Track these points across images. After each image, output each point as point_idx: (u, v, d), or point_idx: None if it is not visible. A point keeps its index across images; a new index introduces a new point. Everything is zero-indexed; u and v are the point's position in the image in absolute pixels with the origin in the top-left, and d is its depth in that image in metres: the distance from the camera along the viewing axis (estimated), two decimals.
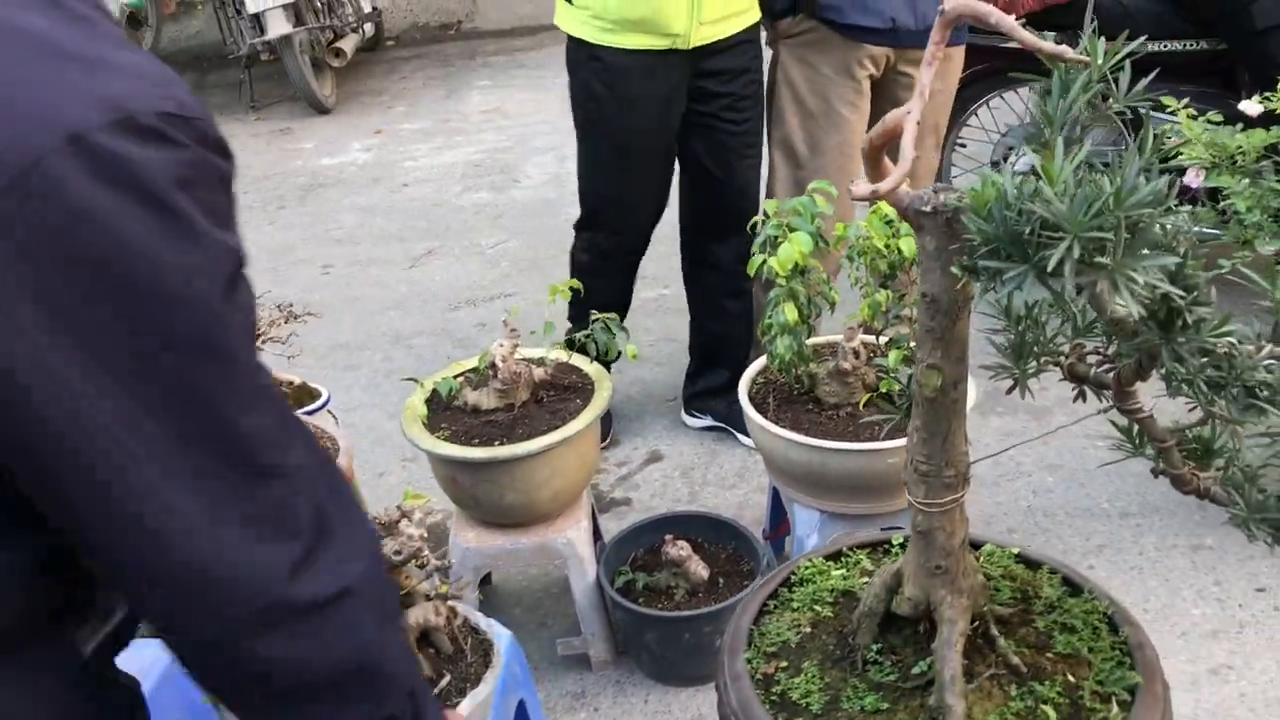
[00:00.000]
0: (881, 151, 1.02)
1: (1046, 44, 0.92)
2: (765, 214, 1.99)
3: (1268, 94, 2.53)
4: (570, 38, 2.80)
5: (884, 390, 2.12)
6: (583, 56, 2.76)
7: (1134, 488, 2.88)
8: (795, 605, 1.36)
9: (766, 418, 2.18)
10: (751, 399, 2.25)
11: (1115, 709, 1.17)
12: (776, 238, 1.91)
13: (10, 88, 0.68)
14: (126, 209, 0.68)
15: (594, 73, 2.75)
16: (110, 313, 0.70)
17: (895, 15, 2.91)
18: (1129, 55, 0.90)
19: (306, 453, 0.82)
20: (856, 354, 2.19)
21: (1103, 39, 0.93)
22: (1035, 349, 1.14)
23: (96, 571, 0.84)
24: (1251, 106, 2.51)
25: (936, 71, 2.74)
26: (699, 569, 2.31)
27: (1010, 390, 1.14)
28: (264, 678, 0.80)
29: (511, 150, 5.98)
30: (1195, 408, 1.08)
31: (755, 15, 2.82)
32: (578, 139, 2.92)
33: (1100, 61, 0.91)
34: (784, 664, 1.28)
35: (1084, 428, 3.09)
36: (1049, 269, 0.80)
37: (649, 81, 2.70)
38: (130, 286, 0.69)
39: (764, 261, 1.93)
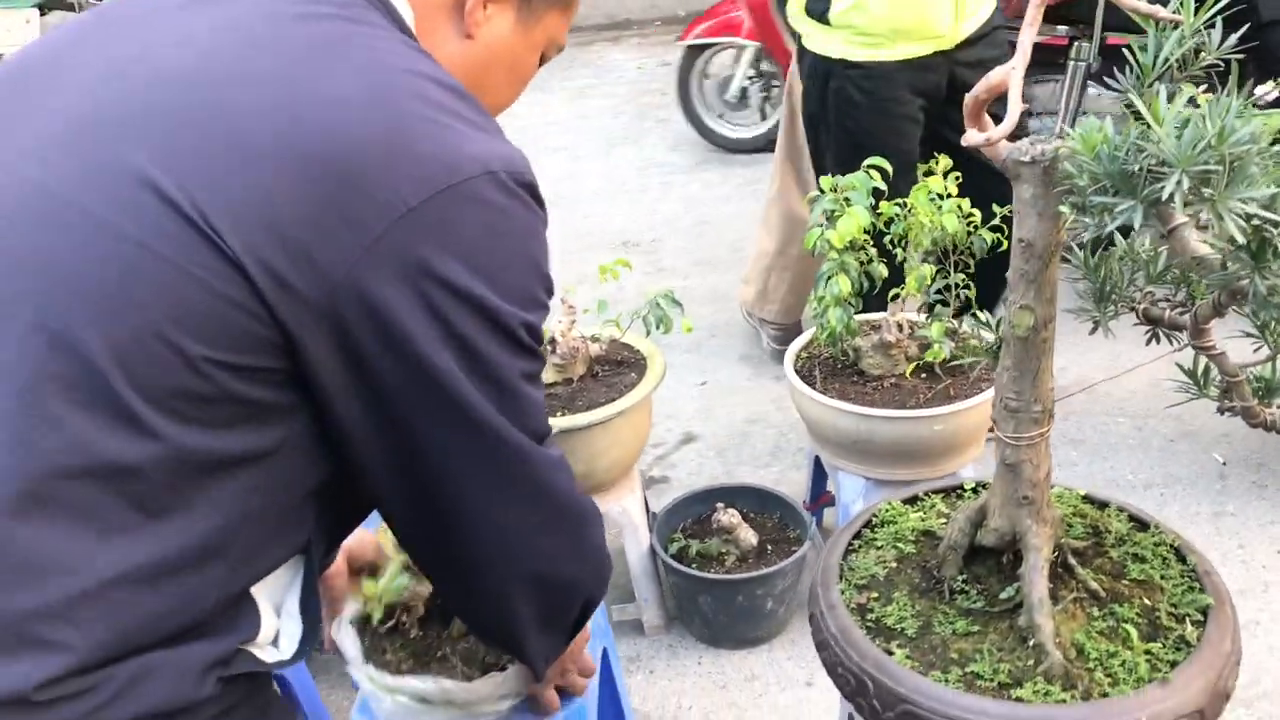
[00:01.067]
0: (984, 107, 1.11)
1: (1140, 4, 1.02)
2: (821, 189, 2.08)
3: None
4: (816, 56, 2.74)
5: (930, 359, 2.21)
6: (836, 68, 2.70)
7: (1156, 460, 2.98)
8: (879, 544, 1.46)
9: (814, 389, 2.27)
10: (798, 371, 2.34)
11: (1190, 627, 1.26)
12: (834, 212, 2.01)
13: (449, 139, 0.97)
14: (523, 205, 1.01)
15: (851, 81, 2.69)
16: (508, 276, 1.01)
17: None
18: (1220, 12, 1.00)
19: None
20: (900, 327, 2.29)
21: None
22: (1113, 295, 1.23)
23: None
24: (1268, 90, 2.62)
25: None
26: (749, 535, 2.40)
27: (1092, 331, 1.23)
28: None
29: (525, 150, 6.07)
30: (1260, 348, 1.18)
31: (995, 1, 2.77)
32: (820, 148, 2.88)
33: (1191, 21, 1.00)
34: (875, 595, 1.37)
35: (1109, 407, 3.20)
36: (1163, 199, 0.90)
37: (913, 86, 2.68)
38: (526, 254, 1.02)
39: (821, 234, 2.02)
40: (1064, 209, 1.04)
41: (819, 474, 2.67)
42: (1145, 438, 3.09)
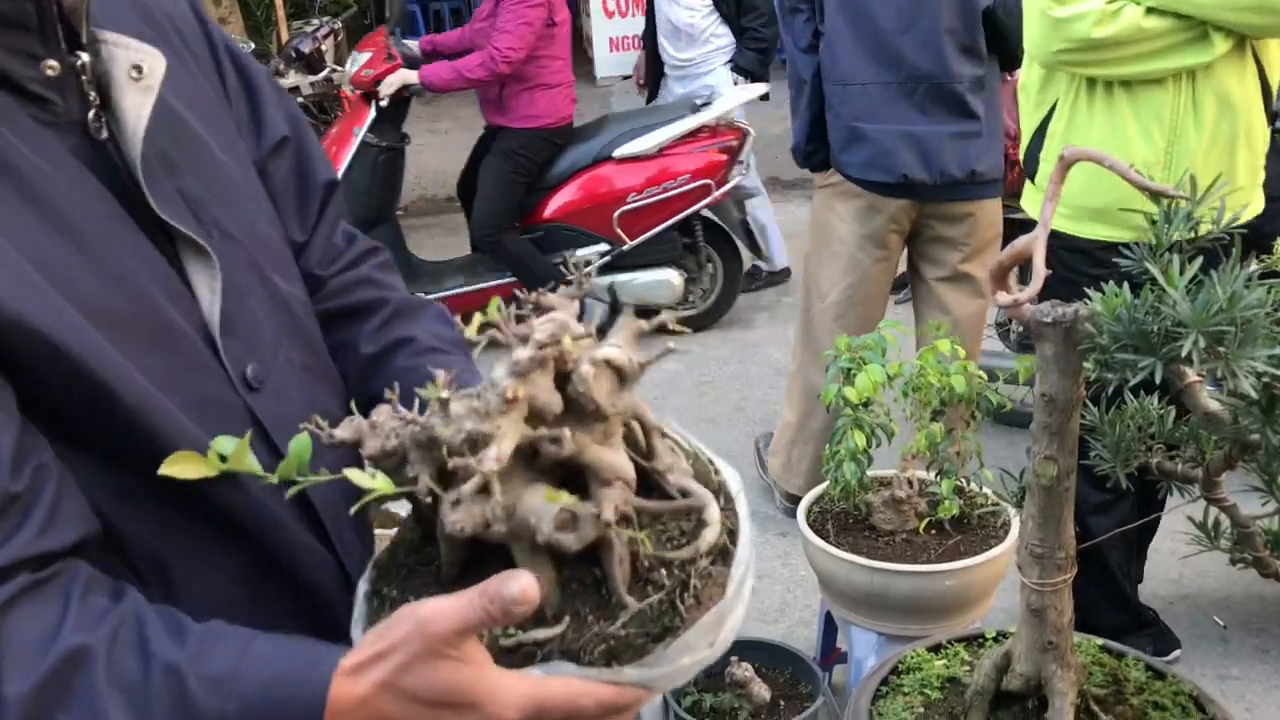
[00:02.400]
0: (1009, 272, 1.21)
1: (1152, 183, 1.13)
2: (836, 348, 2.18)
3: None
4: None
5: (941, 515, 2.28)
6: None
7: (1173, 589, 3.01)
8: (906, 690, 1.49)
9: (827, 542, 2.33)
10: (810, 524, 2.40)
11: None
12: (850, 370, 2.10)
13: None
14: None
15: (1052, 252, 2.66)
16: None
17: (908, 172, 3.20)
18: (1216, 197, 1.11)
19: None
20: (910, 483, 2.36)
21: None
22: (1128, 451, 1.31)
23: None
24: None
25: (972, 226, 3.04)
26: (762, 690, 2.41)
27: (1109, 485, 1.31)
28: None
29: None
30: (1268, 501, 1.25)
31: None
32: None
33: (1197, 197, 1.11)
34: None
35: None
36: (1181, 356, 0.99)
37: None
38: None
39: (838, 391, 2.12)
40: (1087, 365, 1.13)
41: (829, 630, 2.69)
42: (1144, 599, 3.13)
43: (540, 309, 0.91)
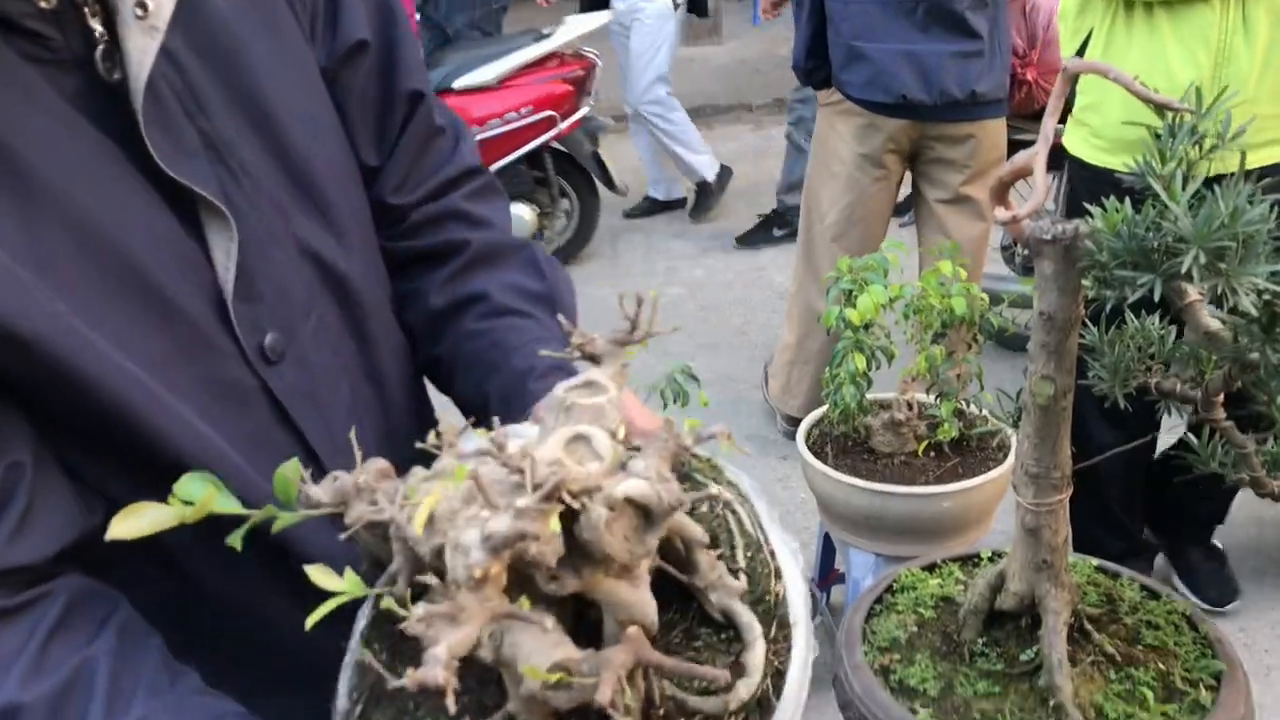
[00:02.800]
0: (1008, 188, 1.19)
1: (1157, 95, 1.10)
2: (838, 270, 2.17)
3: None
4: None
5: (940, 438, 2.28)
6: (1073, 164, 2.64)
7: None
8: (900, 609, 1.50)
9: (827, 465, 2.33)
10: (810, 447, 2.40)
11: (1204, 691, 1.30)
12: (851, 292, 2.09)
13: None
14: None
15: (1085, 184, 2.62)
16: None
17: (906, 92, 3.16)
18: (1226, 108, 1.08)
19: None
20: (910, 406, 2.36)
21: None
22: (1127, 371, 1.30)
23: None
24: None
25: (973, 148, 3.00)
26: None
27: (1108, 405, 1.30)
28: None
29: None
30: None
31: None
32: None
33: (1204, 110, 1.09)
34: (897, 657, 1.41)
35: None
36: (1182, 272, 0.97)
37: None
38: None
39: (839, 313, 2.10)
40: (1086, 283, 1.11)
41: (827, 552, 2.71)
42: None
43: (586, 355, 0.79)
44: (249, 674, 0.92)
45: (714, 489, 0.71)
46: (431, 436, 0.73)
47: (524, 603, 0.64)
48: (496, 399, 1.05)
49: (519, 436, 0.84)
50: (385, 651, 0.82)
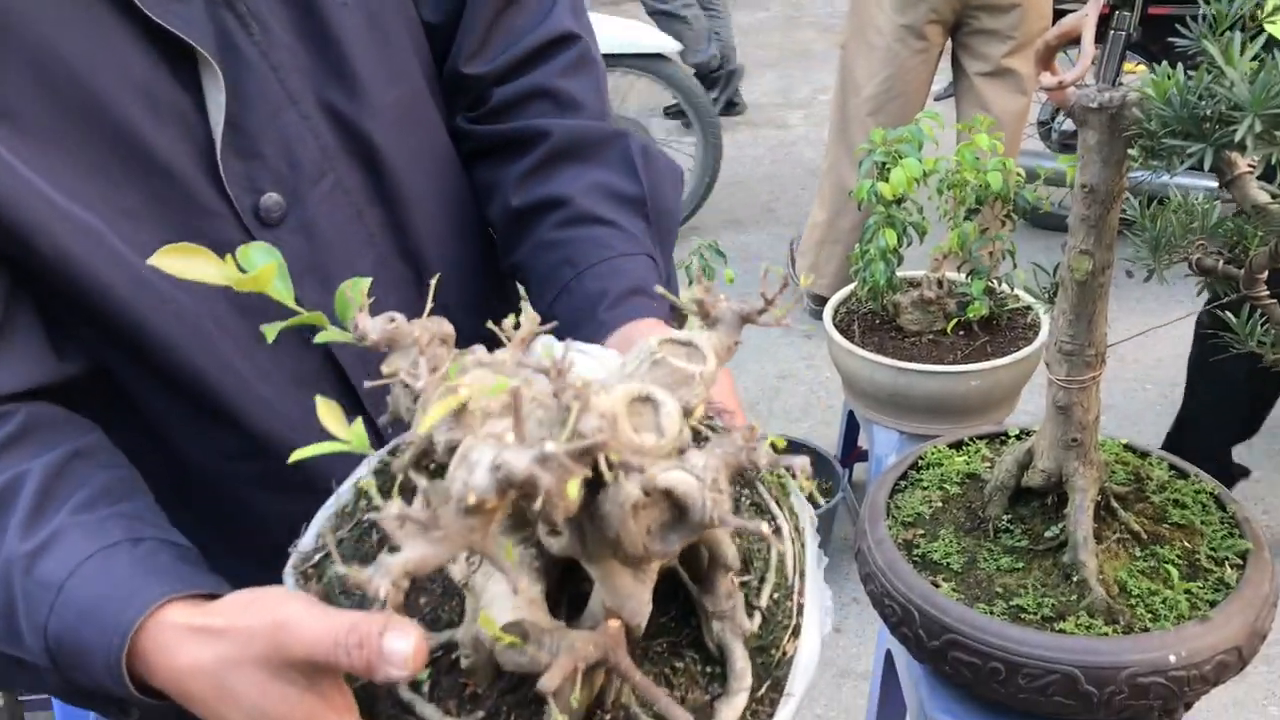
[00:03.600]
0: (1055, 52, 1.14)
1: None
2: (871, 142, 2.11)
3: None
4: None
5: (970, 316, 2.25)
6: None
7: None
8: (925, 484, 1.50)
9: (853, 342, 2.31)
10: (836, 325, 2.38)
11: (1229, 570, 1.30)
12: (885, 164, 2.04)
13: None
14: None
15: None
16: None
17: None
18: None
19: None
20: (940, 284, 2.32)
21: None
22: (1168, 246, 1.26)
23: None
24: None
25: (1019, 18, 2.88)
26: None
27: (1147, 279, 1.27)
28: None
29: None
30: None
31: None
32: None
33: None
34: (921, 532, 1.41)
35: (1137, 374, 3.23)
36: (1235, 141, 0.93)
37: None
38: None
39: (871, 186, 2.06)
40: (1132, 153, 1.07)
41: (851, 429, 2.71)
42: (1171, 405, 3.12)
43: (703, 315, 0.68)
44: (208, 530, 0.86)
45: (764, 528, 0.58)
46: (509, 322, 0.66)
47: (509, 550, 0.58)
48: (565, 324, 0.94)
49: (588, 357, 0.79)
50: (350, 535, 0.76)
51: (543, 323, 0.70)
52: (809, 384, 3.29)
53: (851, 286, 2.45)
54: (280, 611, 0.64)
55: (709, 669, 0.66)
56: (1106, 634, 1.22)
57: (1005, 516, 1.40)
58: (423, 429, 0.56)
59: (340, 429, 0.63)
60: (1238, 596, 1.25)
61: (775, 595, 0.69)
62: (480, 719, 0.65)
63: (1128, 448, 1.52)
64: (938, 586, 1.30)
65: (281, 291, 0.67)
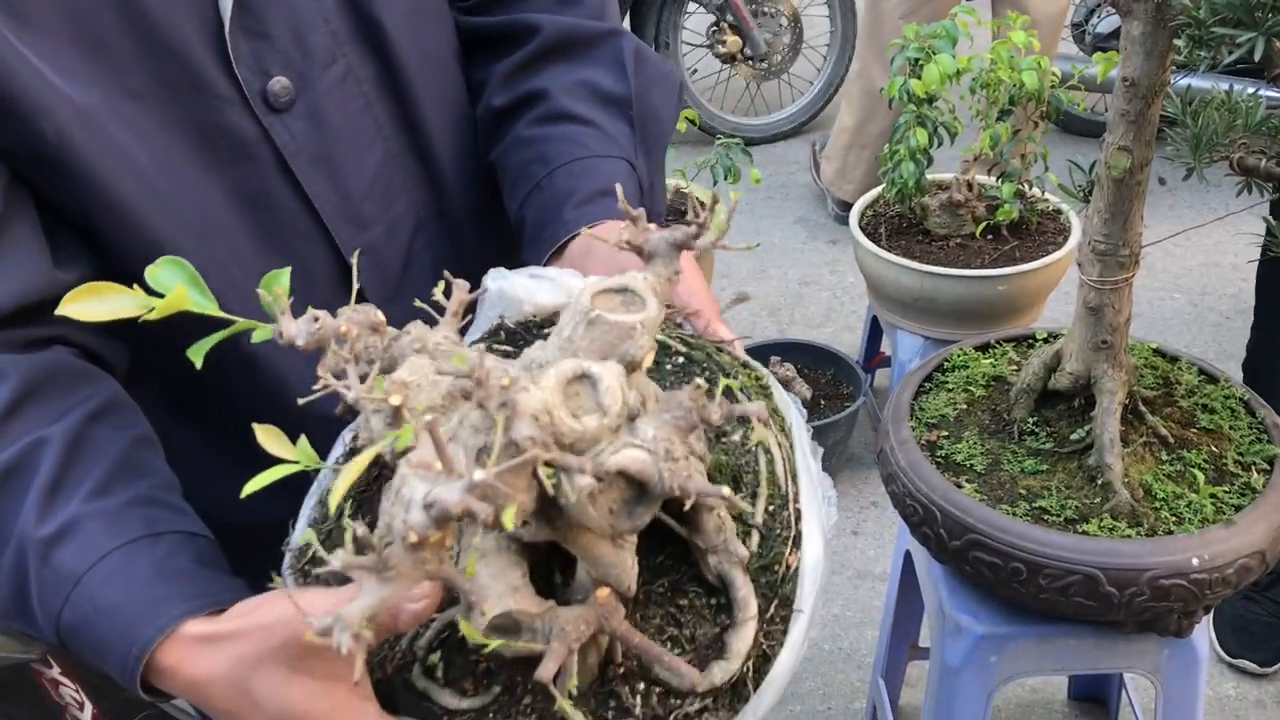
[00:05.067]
0: None
1: None
2: (904, 37, 2.06)
3: None
4: None
5: (1001, 218, 2.21)
6: None
7: (1210, 336, 2.98)
8: (950, 387, 1.48)
9: (879, 246, 2.28)
10: (863, 228, 2.35)
11: (1256, 475, 1.29)
12: (918, 60, 1.99)
13: None
14: None
15: None
16: None
17: None
18: None
19: None
20: (970, 186, 2.28)
21: None
22: (1209, 144, 1.23)
23: None
24: None
25: None
26: (803, 389, 2.43)
27: (1186, 178, 1.23)
28: None
29: None
30: None
31: None
32: None
33: None
34: (945, 433, 1.40)
35: (1165, 282, 3.19)
36: None
37: None
38: None
39: (903, 83, 2.01)
40: (1179, 43, 1.04)
41: (874, 335, 2.69)
42: (1200, 314, 3.09)
43: (635, 251, 0.65)
44: (212, 448, 0.86)
45: (726, 491, 0.55)
46: (440, 292, 0.64)
47: (471, 566, 0.56)
48: (531, 224, 0.92)
49: (548, 283, 0.76)
50: (355, 503, 0.74)
51: (515, 229, 0.66)
52: (831, 289, 3.26)
53: (878, 190, 2.41)
54: (288, 604, 0.64)
55: (714, 600, 0.65)
56: (1129, 536, 1.22)
57: (1030, 419, 1.39)
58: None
59: (285, 451, 0.62)
60: (1264, 501, 1.24)
61: (770, 508, 0.67)
62: (496, 694, 0.64)
63: (1157, 352, 1.50)
64: (960, 487, 1.30)
65: (201, 303, 0.64)
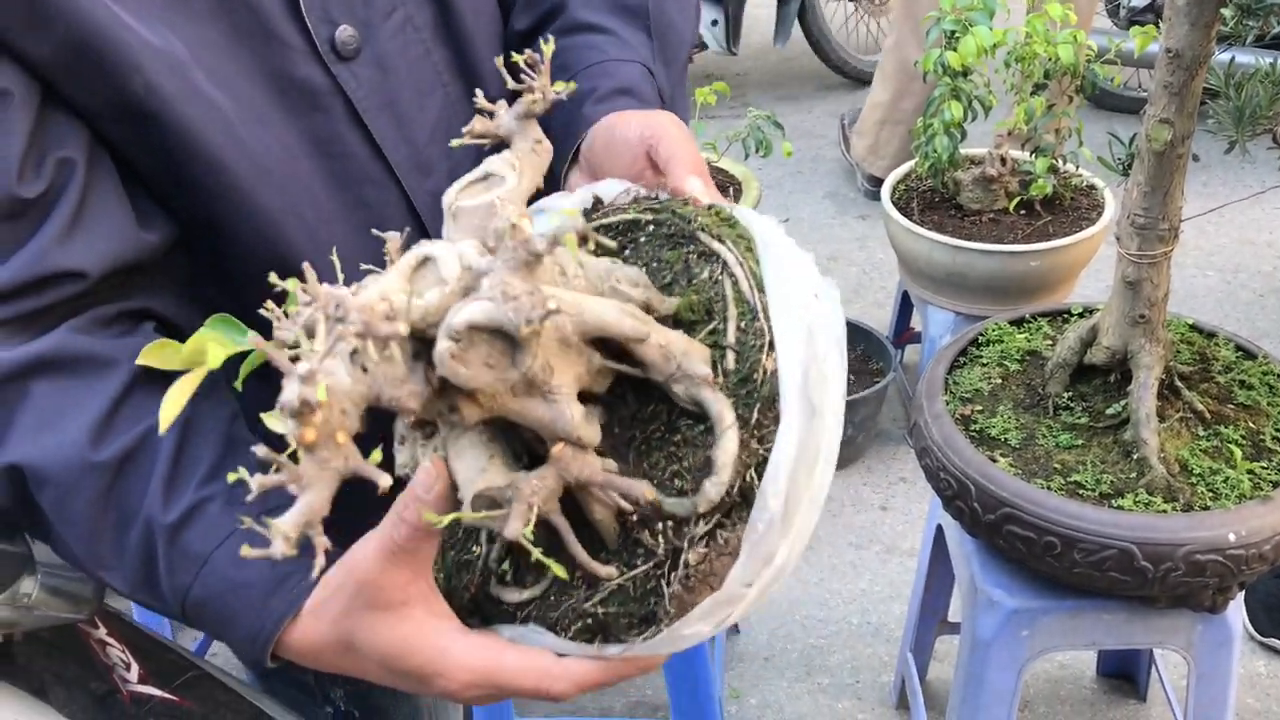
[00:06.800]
0: None
1: None
2: (940, 10, 2.04)
3: None
4: None
5: (1034, 193, 2.19)
6: None
7: (1244, 313, 2.96)
8: (984, 361, 1.48)
9: (911, 220, 2.27)
10: (895, 203, 2.33)
11: None
12: (954, 33, 1.97)
13: None
14: None
15: None
16: None
17: None
18: None
19: None
20: (1003, 161, 2.26)
21: None
22: (1250, 115, 1.22)
23: None
24: None
25: None
26: None
27: (1228, 151, 1.22)
28: None
29: None
30: None
31: None
32: None
33: None
34: (979, 408, 1.40)
35: (1198, 260, 3.16)
36: None
37: None
38: None
39: (939, 55, 1.99)
40: (1226, 12, 1.03)
41: (904, 311, 2.68)
42: (1233, 291, 3.06)
43: (492, 141, 0.69)
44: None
45: (718, 247, 0.59)
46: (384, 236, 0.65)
47: (375, 455, 0.57)
48: (556, 130, 0.92)
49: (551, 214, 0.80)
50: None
51: (546, 132, 0.70)
52: (860, 265, 3.25)
53: (910, 164, 2.39)
54: (347, 559, 0.69)
55: (704, 426, 0.66)
56: (1165, 511, 1.21)
57: (1066, 394, 1.39)
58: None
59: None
60: None
61: (741, 324, 0.67)
62: (552, 578, 0.68)
63: (1194, 328, 1.49)
64: (995, 461, 1.30)
65: (228, 350, 0.67)
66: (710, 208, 0.76)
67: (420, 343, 0.59)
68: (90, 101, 0.78)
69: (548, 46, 0.71)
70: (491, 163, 0.68)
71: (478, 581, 0.70)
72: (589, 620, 0.66)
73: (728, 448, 0.63)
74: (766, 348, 0.66)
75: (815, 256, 0.69)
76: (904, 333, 2.72)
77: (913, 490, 2.48)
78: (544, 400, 0.61)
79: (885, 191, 2.37)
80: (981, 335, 1.52)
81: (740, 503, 0.64)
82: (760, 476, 0.63)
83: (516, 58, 0.71)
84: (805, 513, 0.65)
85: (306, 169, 0.86)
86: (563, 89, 0.71)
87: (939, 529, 1.67)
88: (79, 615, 0.85)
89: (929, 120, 2.08)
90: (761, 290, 0.68)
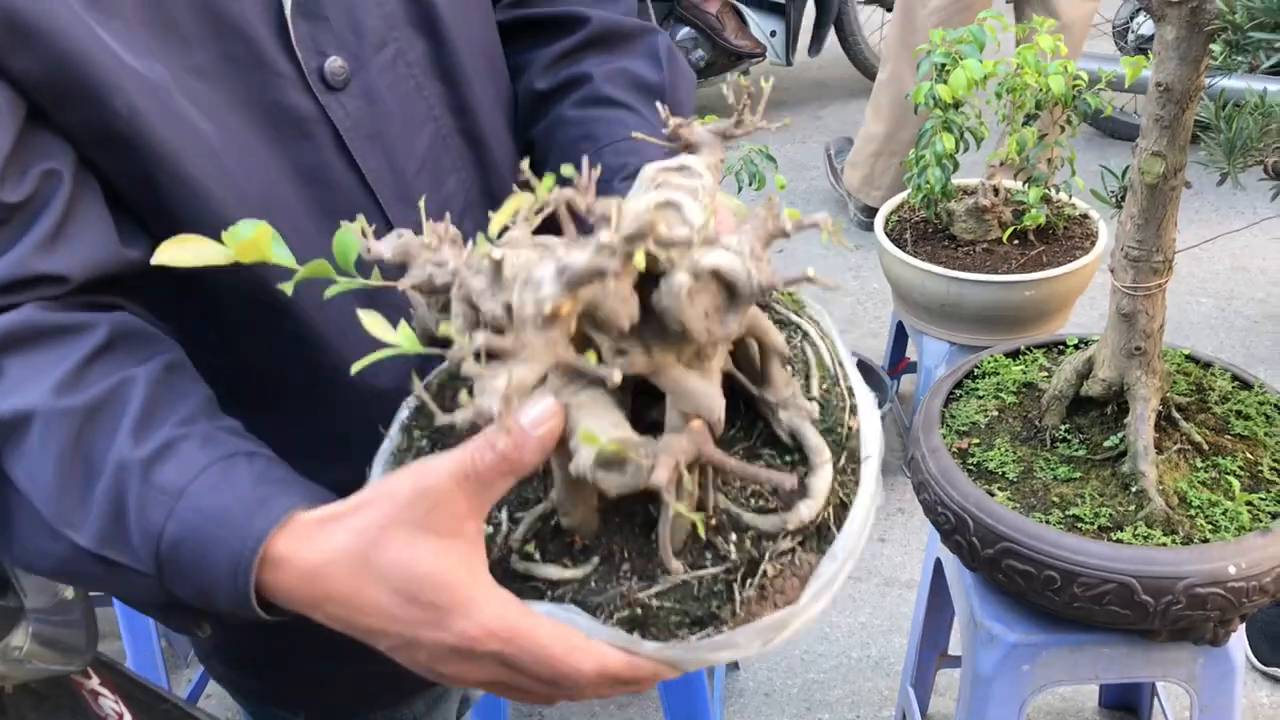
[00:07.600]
0: None
1: None
2: (931, 42, 2.05)
3: None
4: None
5: (1027, 223, 2.20)
6: None
7: (1239, 340, 2.96)
8: (980, 393, 1.48)
9: (905, 251, 2.27)
10: (888, 234, 2.34)
11: None
12: (944, 65, 1.98)
13: None
14: None
15: None
16: None
17: None
18: None
19: None
20: (996, 191, 2.27)
21: None
22: (1243, 148, 1.22)
23: None
24: None
25: None
26: None
27: (1220, 183, 1.23)
28: None
29: None
30: None
31: None
32: None
33: None
34: (976, 441, 1.40)
35: (1192, 287, 3.17)
36: None
37: None
38: None
39: (930, 88, 2.00)
40: (1214, 48, 1.03)
41: (899, 340, 2.68)
42: (1228, 318, 3.07)
43: (681, 143, 0.70)
44: (292, 434, 0.86)
45: (808, 277, 0.60)
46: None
47: (591, 356, 0.59)
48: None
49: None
50: (427, 441, 0.75)
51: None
52: (855, 295, 3.25)
53: (903, 195, 2.40)
54: (412, 469, 0.65)
55: (788, 458, 0.69)
56: (1165, 544, 1.21)
57: (1063, 426, 1.38)
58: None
59: (386, 334, 0.63)
60: None
61: (825, 385, 0.72)
62: (596, 564, 0.68)
63: (1190, 358, 1.49)
64: (993, 495, 1.29)
65: (280, 257, 0.66)
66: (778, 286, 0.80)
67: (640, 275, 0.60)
68: (74, 124, 0.78)
69: (766, 84, 0.75)
70: (687, 158, 0.71)
71: (493, 558, 0.68)
72: (638, 610, 0.65)
73: (824, 478, 0.67)
74: (849, 410, 0.71)
75: (809, 286, 0.71)
76: (899, 363, 2.73)
77: (910, 522, 2.47)
78: (700, 374, 0.63)
79: (878, 222, 2.38)
80: (977, 368, 1.52)
81: (814, 535, 0.67)
82: (838, 521, 0.67)
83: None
84: (842, 577, 0.68)
85: (291, 197, 0.86)
86: (780, 126, 0.77)
87: (938, 562, 1.66)
88: (71, 667, 0.84)
89: (921, 152, 2.08)
90: (841, 365, 0.74)
